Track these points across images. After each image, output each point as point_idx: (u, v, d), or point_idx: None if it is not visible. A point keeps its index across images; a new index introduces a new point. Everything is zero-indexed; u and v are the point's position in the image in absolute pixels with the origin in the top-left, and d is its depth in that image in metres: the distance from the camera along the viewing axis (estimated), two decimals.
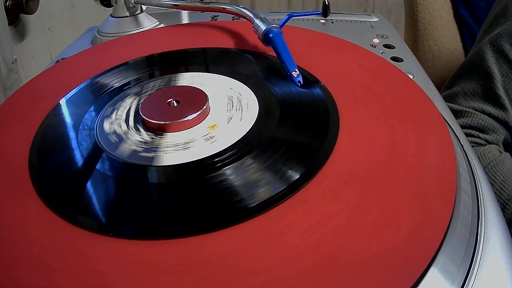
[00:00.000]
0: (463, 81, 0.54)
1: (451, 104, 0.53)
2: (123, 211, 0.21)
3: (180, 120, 0.25)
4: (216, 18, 0.52)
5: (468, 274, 0.19)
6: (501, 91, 0.50)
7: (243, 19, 0.36)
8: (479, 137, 0.50)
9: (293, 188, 0.21)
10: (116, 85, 0.31)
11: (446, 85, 0.57)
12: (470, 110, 0.51)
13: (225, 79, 0.30)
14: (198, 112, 0.26)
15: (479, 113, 0.51)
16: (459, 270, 0.18)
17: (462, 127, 0.51)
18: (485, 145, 0.49)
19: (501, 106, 0.50)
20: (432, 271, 0.17)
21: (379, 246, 0.18)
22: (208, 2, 0.44)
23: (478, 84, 0.52)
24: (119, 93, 0.30)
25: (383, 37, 0.46)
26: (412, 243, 0.18)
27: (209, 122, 0.26)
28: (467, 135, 0.51)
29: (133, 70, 0.33)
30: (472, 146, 0.49)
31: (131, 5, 0.45)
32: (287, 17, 0.35)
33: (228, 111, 0.27)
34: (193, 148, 0.24)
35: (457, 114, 0.52)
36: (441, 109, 0.32)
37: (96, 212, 0.21)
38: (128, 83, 0.31)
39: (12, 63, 0.58)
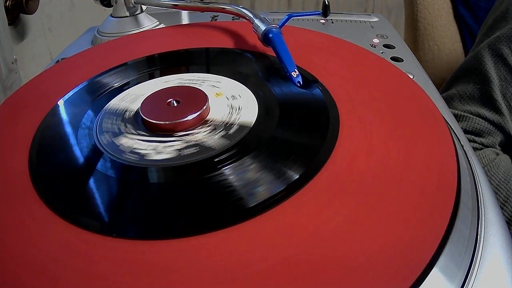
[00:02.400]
0: (460, 84, 0.54)
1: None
2: (123, 211, 0.21)
3: (180, 120, 0.25)
4: (216, 18, 0.52)
5: (468, 274, 0.19)
6: (498, 95, 0.49)
7: (243, 19, 0.36)
8: (474, 141, 0.50)
9: (293, 188, 0.21)
10: (116, 85, 0.31)
11: (443, 87, 0.57)
12: (466, 114, 0.51)
13: (222, 79, 0.30)
14: (198, 112, 0.26)
15: (475, 117, 0.50)
16: (459, 270, 0.18)
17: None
18: (481, 149, 0.49)
19: (497, 110, 0.50)
20: (432, 270, 0.17)
21: (379, 246, 0.18)
22: (208, 2, 0.44)
23: (475, 87, 0.51)
24: (119, 93, 0.30)
25: (383, 37, 0.46)
26: (412, 243, 0.18)
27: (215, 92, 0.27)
28: None
29: (133, 70, 0.33)
30: None
31: (131, 5, 0.45)
32: (287, 17, 0.35)
33: (228, 110, 0.27)
34: (193, 148, 0.24)
35: (454, 118, 0.52)
36: (442, 109, 0.32)
37: (97, 212, 0.21)
38: (127, 83, 0.31)
39: (12, 63, 0.58)
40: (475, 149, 0.50)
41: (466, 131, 0.50)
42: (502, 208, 0.43)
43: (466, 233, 0.20)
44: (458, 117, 0.51)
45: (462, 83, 0.53)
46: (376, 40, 0.45)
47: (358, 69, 0.31)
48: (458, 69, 0.55)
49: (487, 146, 0.50)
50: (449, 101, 0.54)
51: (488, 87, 0.50)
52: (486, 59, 0.51)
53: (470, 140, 0.50)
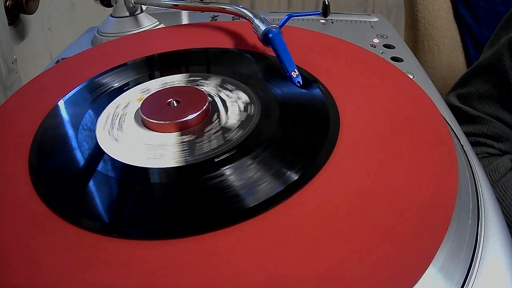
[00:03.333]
0: (479, 81, 0.52)
1: (466, 107, 0.51)
2: (124, 212, 0.21)
3: (180, 120, 0.25)
4: (216, 18, 0.52)
5: (468, 274, 0.19)
6: None
7: (243, 19, 0.36)
8: (493, 147, 0.49)
9: (293, 188, 0.21)
10: (116, 85, 0.31)
11: (460, 82, 0.55)
12: (486, 117, 0.49)
13: (220, 79, 0.30)
14: (199, 112, 0.26)
15: (495, 120, 0.49)
16: (459, 270, 0.18)
17: (477, 135, 0.49)
18: (498, 155, 0.48)
19: None
20: (432, 271, 0.17)
21: (379, 246, 0.18)
22: (208, 2, 0.44)
23: (494, 87, 0.50)
24: (119, 93, 0.30)
25: (383, 37, 0.46)
26: (412, 243, 0.18)
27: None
28: (481, 144, 0.49)
29: (133, 70, 0.33)
30: (485, 157, 0.48)
31: (131, 5, 0.45)
32: (286, 17, 0.35)
33: (228, 110, 0.27)
34: (193, 148, 0.24)
35: (472, 119, 0.50)
36: (442, 109, 0.32)
37: (97, 213, 0.21)
38: (127, 83, 0.31)
39: (12, 63, 0.58)
40: (493, 155, 0.48)
41: (486, 136, 0.49)
42: (509, 226, 0.41)
43: (466, 233, 0.20)
44: (478, 119, 0.50)
45: (481, 80, 0.51)
46: (376, 40, 0.45)
47: (358, 69, 0.31)
48: (476, 64, 0.53)
49: (504, 152, 0.48)
50: (467, 99, 0.52)
51: (508, 89, 0.48)
52: (506, 58, 0.49)
53: (489, 146, 0.49)
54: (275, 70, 0.31)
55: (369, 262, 0.17)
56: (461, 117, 0.51)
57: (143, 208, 0.21)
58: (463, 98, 0.53)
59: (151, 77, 0.32)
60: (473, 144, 0.50)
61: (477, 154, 0.48)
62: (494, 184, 0.44)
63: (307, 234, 0.19)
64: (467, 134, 0.50)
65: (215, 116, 0.27)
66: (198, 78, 0.31)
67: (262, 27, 0.32)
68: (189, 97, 0.27)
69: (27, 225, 0.21)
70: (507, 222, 0.22)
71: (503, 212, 0.23)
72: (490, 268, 0.19)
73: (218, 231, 0.19)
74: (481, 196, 0.23)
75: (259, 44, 0.33)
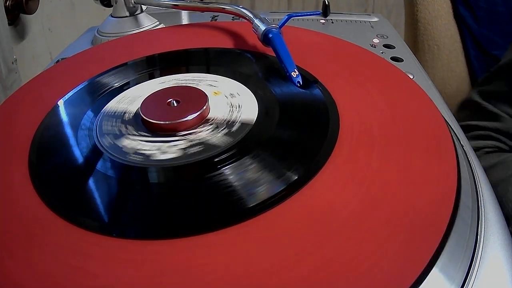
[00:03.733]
0: (500, 81, 0.54)
1: (486, 103, 0.53)
2: (123, 211, 0.21)
3: (182, 120, 0.25)
4: (216, 18, 0.52)
5: (468, 274, 0.19)
6: None
7: (243, 19, 0.36)
8: (505, 143, 0.50)
9: (293, 188, 0.21)
10: (116, 85, 0.31)
11: (483, 80, 0.57)
12: (504, 115, 0.51)
13: (219, 78, 0.30)
14: (198, 112, 0.26)
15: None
16: (459, 270, 0.18)
17: (492, 130, 0.51)
18: (509, 151, 0.49)
19: None
20: (432, 270, 0.17)
21: (379, 246, 0.18)
22: (208, 2, 0.44)
23: None
24: (118, 93, 0.30)
25: (383, 37, 0.46)
26: (412, 242, 0.18)
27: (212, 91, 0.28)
28: (494, 138, 0.51)
29: (133, 70, 0.33)
30: (495, 151, 0.50)
31: (131, 5, 0.45)
32: (286, 17, 0.35)
33: (228, 109, 0.27)
34: (198, 147, 0.24)
35: (490, 115, 0.52)
36: (441, 109, 0.32)
37: (97, 212, 0.21)
38: (128, 83, 0.31)
39: (12, 63, 0.58)
40: (503, 150, 0.49)
41: (500, 132, 0.51)
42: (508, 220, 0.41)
43: (466, 233, 0.20)
44: (496, 116, 0.51)
45: (502, 81, 0.53)
46: (376, 40, 0.45)
47: (358, 69, 0.31)
48: (499, 64, 0.55)
49: None
50: (488, 96, 0.54)
51: None
52: None
53: (501, 141, 0.50)
54: (275, 70, 0.31)
55: (368, 262, 0.17)
56: (480, 113, 0.54)
57: (142, 208, 0.21)
58: (485, 95, 0.55)
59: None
60: (485, 138, 0.52)
61: (486, 147, 0.51)
62: (503, 178, 0.45)
63: (306, 234, 0.19)
64: (483, 128, 0.52)
65: (216, 114, 0.26)
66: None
67: (262, 27, 0.32)
68: (189, 97, 0.27)
69: (27, 224, 0.21)
70: (506, 216, 0.22)
71: (504, 206, 0.24)
72: (490, 268, 0.19)
73: (218, 231, 0.19)
74: (481, 196, 0.23)
75: (259, 44, 0.33)
